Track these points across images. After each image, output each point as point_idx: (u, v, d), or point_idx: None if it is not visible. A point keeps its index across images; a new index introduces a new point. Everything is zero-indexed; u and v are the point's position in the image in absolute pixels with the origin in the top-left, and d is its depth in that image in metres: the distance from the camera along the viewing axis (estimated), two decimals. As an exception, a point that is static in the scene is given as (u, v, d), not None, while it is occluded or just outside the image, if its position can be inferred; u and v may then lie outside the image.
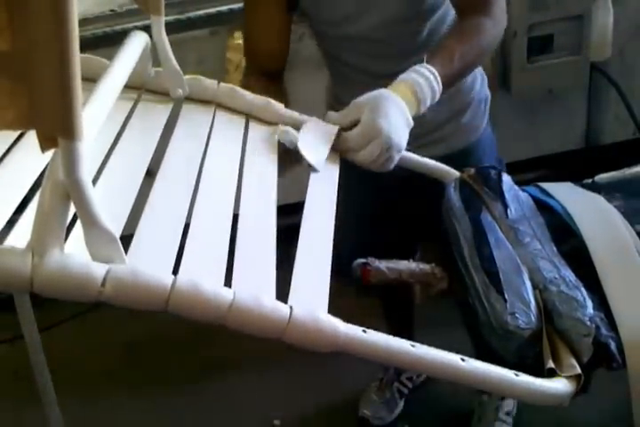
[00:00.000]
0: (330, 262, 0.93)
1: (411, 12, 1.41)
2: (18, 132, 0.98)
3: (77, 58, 0.62)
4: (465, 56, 1.28)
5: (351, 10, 1.41)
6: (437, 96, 1.23)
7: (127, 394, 2.20)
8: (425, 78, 1.21)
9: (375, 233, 1.71)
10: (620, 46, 2.57)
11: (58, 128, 0.65)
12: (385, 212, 1.69)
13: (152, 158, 1.04)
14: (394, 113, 1.16)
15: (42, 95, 0.63)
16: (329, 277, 0.90)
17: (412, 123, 1.19)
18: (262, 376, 2.20)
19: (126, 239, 0.83)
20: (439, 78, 1.22)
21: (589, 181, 1.20)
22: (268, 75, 1.46)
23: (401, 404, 2.10)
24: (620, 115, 2.69)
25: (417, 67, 1.22)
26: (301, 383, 2.16)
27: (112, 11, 2.24)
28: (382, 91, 1.19)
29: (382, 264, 1.08)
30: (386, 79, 1.23)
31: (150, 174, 1.01)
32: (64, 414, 1.74)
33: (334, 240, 0.97)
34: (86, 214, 0.73)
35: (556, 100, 2.63)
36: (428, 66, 1.22)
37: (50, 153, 0.69)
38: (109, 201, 0.89)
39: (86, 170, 0.70)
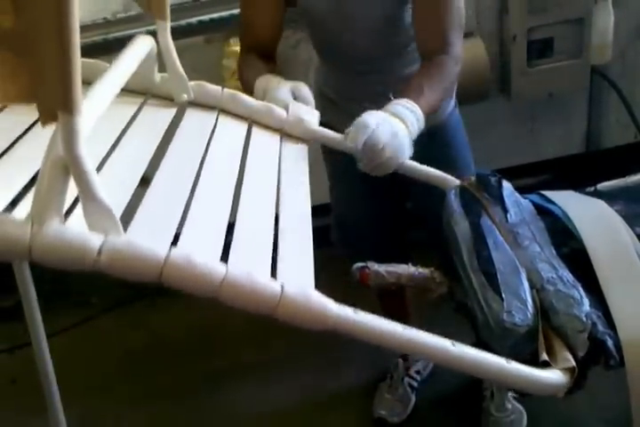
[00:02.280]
0: (311, 240, 0.95)
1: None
2: (26, 125, 1.02)
3: (77, 35, 0.63)
4: (433, 92, 1.36)
5: (334, 27, 1.51)
6: (422, 126, 1.29)
7: (126, 404, 2.17)
8: (410, 111, 1.27)
9: (378, 204, 1.78)
10: (620, 49, 2.57)
11: (58, 102, 0.67)
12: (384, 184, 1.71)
13: (151, 162, 1.05)
14: (398, 126, 1.23)
15: (43, 70, 0.65)
16: (312, 255, 0.92)
17: (411, 144, 1.24)
18: (262, 388, 2.17)
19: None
20: (420, 111, 1.28)
21: (592, 189, 1.21)
22: (261, 53, 1.50)
23: (413, 398, 2.08)
24: (620, 118, 2.68)
25: (400, 101, 1.28)
26: (301, 395, 2.13)
27: (104, 19, 2.23)
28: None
29: (381, 268, 1.09)
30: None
31: (146, 181, 1.02)
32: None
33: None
34: (84, 187, 0.75)
35: (557, 103, 2.63)
36: (409, 100, 1.28)
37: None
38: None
39: (84, 145, 0.71)
